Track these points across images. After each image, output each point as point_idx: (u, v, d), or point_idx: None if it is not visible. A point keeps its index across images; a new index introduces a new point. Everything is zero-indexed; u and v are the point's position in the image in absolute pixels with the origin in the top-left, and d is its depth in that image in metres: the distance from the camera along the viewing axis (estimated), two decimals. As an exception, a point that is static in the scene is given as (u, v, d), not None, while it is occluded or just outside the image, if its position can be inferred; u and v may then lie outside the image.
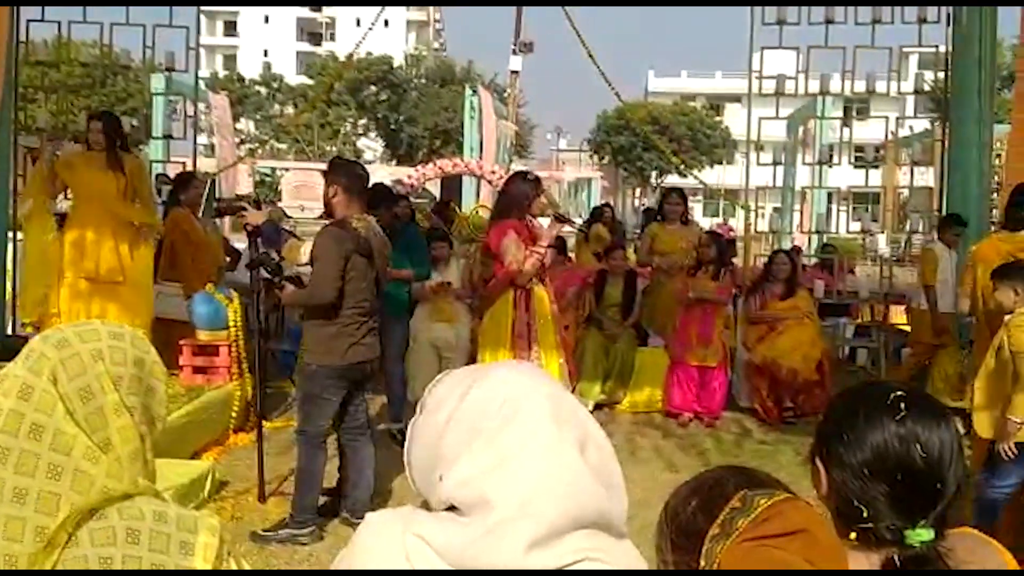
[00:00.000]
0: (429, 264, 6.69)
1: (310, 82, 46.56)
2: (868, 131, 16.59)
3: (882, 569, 1.38)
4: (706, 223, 28.36)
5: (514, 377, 1.16)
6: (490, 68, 48.54)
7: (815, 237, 12.32)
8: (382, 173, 23.15)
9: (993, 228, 8.16)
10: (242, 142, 37.35)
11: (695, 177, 15.44)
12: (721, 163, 42.68)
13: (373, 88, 47.44)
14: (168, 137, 11.07)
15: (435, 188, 22.46)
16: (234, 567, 1.30)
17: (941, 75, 8.66)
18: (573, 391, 5.30)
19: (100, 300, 6.39)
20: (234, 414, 6.30)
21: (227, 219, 7.87)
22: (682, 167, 16.62)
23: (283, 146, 41.95)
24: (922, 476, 1.38)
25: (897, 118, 10.38)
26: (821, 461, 1.47)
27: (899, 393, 1.43)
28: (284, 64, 56.04)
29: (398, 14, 60.34)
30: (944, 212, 8.21)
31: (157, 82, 11.97)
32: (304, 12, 63.24)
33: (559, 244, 7.81)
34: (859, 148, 28.11)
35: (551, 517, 1.04)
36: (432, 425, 1.14)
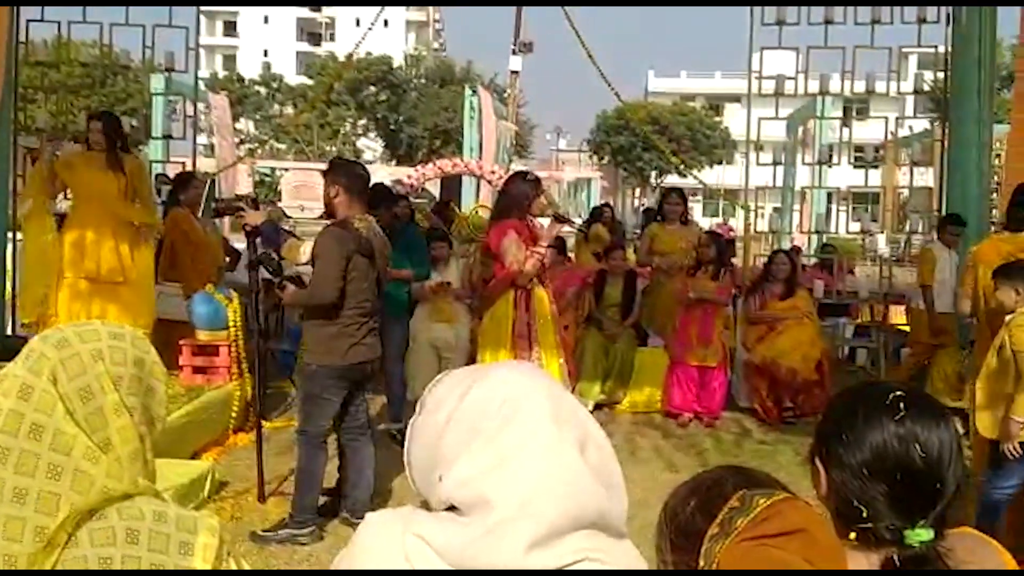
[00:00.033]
0: (429, 264, 6.69)
1: (310, 82, 46.57)
2: (868, 131, 16.58)
3: (882, 569, 1.38)
4: (706, 223, 28.36)
5: (514, 377, 1.16)
6: (490, 68, 48.64)
7: (815, 237, 12.32)
8: (382, 173, 23.17)
9: (993, 228, 8.17)
10: (242, 142, 37.35)
11: (695, 177, 15.44)
12: (721, 163, 42.66)
13: (373, 88, 47.44)
14: (168, 137, 11.07)
15: (435, 188, 22.45)
16: (234, 567, 1.30)
17: (941, 75, 8.67)
18: (573, 391, 5.29)
19: (100, 300, 6.39)
20: (234, 414, 6.30)
21: (227, 219, 7.87)
22: (682, 167, 16.62)
23: (283, 146, 41.95)
24: (921, 476, 1.38)
25: (897, 118, 10.38)
26: (820, 461, 1.47)
27: (898, 393, 1.43)
28: (284, 64, 56.04)
29: (398, 14, 60.34)
30: (944, 212, 8.21)
31: (157, 82, 11.97)
32: (304, 12, 63.25)
33: (559, 244, 7.81)
34: (859, 148, 28.12)
35: (551, 517, 1.04)
36: (432, 425, 1.14)
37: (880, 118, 10.13)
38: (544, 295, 5.72)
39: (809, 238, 13.30)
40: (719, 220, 30.99)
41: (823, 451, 1.47)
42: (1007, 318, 4.19)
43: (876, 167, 17.08)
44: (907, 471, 1.38)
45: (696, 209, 36.56)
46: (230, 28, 63.63)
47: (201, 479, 4.98)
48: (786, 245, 11.86)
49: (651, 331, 8.17)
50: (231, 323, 6.46)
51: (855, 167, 14.12)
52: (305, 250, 4.71)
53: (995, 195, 10.34)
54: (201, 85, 15.50)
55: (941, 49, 8.50)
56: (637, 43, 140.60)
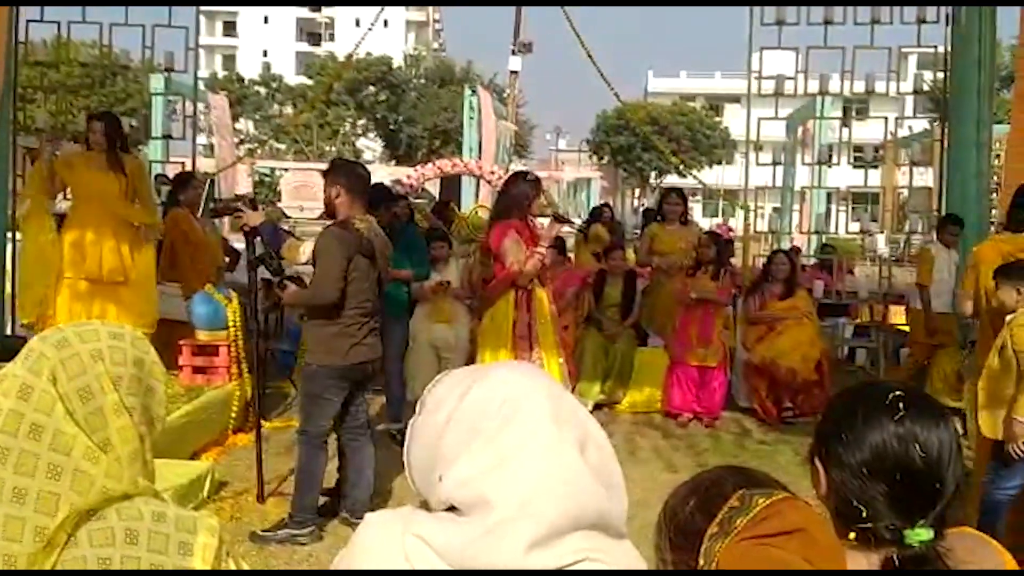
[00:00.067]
0: (428, 264, 6.69)
1: (309, 82, 46.54)
2: (867, 131, 16.58)
3: (881, 569, 1.38)
4: (705, 223, 28.38)
5: (514, 377, 1.16)
6: (489, 68, 48.56)
7: (814, 237, 12.33)
8: (381, 173, 23.13)
9: (993, 228, 8.17)
10: (241, 142, 37.33)
11: (694, 177, 15.44)
12: (720, 163, 42.65)
13: (372, 88, 47.42)
14: (167, 137, 11.07)
15: (434, 188, 22.44)
16: (233, 567, 1.30)
17: (940, 75, 8.67)
18: (572, 391, 5.29)
19: (100, 301, 6.39)
20: (233, 414, 6.30)
21: (226, 219, 7.86)
22: (681, 167, 16.61)
23: (282, 146, 41.90)
24: (921, 476, 1.38)
25: (896, 118, 10.38)
26: (820, 461, 1.47)
27: (898, 393, 1.43)
28: (283, 64, 56.03)
29: (397, 14, 60.35)
30: (943, 212, 8.22)
31: (156, 82, 11.97)
32: (303, 12, 63.24)
33: (558, 244, 7.82)
34: (858, 148, 28.15)
35: (551, 517, 1.04)
36: (432, 425, 1.14)
37: (880, 118, 10.13)
38: (544, 295, 5.72)
39: (809, 238, 13.30)
40: (719, 220, 31.00)
41: (823, 451, 1.47)
42: (1008, 318, 4.19)
43: (876, 167, 17.09)
44: (907, 471, 1.38)
45: (696, 209, 36.57)
46: (230, 28, 63.63)
47: (200, 479, 4.98)
48: (786, 245, 11.86)
49: (651, 331, 8.17)
50: (231, 323, 6.46)
51: (855, 167, 14.12)
52: (305, 250, 4.71)
53: (994, 195, 10.34)
54: (201, 85, 15.51)
55: (941, 49, 8.50)
56: (637, 43, 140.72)
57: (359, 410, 4.79)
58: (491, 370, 1.18)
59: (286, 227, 11.54)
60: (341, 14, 61.15)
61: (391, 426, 6.38)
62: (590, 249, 9.52)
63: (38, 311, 6.45)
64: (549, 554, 1.03)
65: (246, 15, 62.89)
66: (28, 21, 8.09)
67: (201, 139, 17.07)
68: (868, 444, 1.40)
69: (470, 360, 6.37)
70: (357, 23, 55.56)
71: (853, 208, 37.31)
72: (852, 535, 1.39)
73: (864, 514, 1.39)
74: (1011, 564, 1.50)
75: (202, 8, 10.58)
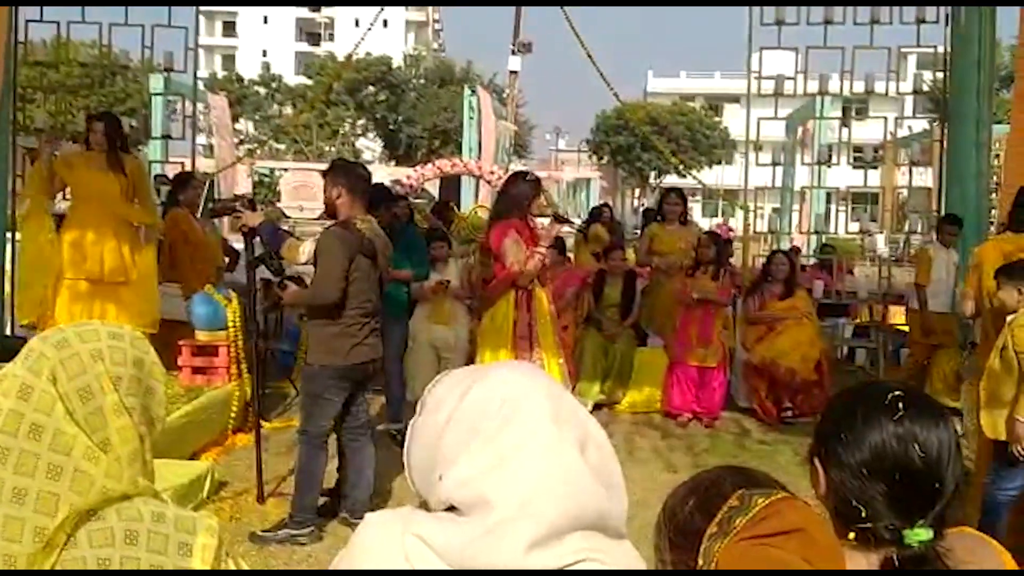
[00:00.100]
0: (428, 265, 6.69)
1: (309, 82, 46.51)
2: (867, 131, 16.59)
3: (881, 569, 1.38)
4: (705, 223, 28.37)
5: (514, 377, 1.15)
6: (489, 68, 48.44)
7: (814, 237, 12.32)
8: (381, 173, 23.12)
9: (993, 229, 8.18)
10: (241, 142, 37.30)
11: (694, 177, 15.47)
12: (720, 163, 42.64)
13: (372, 88, 47.39)
14: (167, 137, 11.07)
15: (434, 188, 22.44)
16: (232, 568, 1.30)
17: (940, 75, 8.67)
18: (572, 391, 5.30)
19: (101, 301, 6.39)
20: (233, 414, 6.29)
21: (226, 219, 7.87)
22: (681, 167, 16.63)
23: (282, 146, 41.89)
24: (920, 476, 1.38)
25: (896, 118, 10.39)
26: (820, 461, 1.47)
27: (897, 393, 1.43)
28: (283, 64, 56.00)
29: (397, 14, 60.34)
30: (943, 212, 8.22)
31: (156, 82, 11.96)
32: (303, 12, 63.22)
33: (558, 244, 7.82)
34: (858, 148, 28.15)
35: (551, 517, 1.04)
36: (431, 425, 1.14)
37: (879, 118, 10.14)
38: (543, 295, 5.72)
39: (808, 238, 13.30)
40: (719, 220, 30.99)
41: (822, 451, 1.47)
42: (1008, 318, 4.19)
43: (875, 167, 17.09)
44: (906, 471, 1.38)
45: (695, 209, 36.56)
46: (229, 28, 63.61)
47: (200, 479, 4.98)
48: (785, 245, 11.86)
49: (650, 331, 8.17)
50: (230, 323, 6.46)
51: (854, 167, 14.12)
52: (304, 250, 4.71)
53: (994, 195, 10.35)
54: (200, 85, 15.51)
55: (940, 49, 8.51)
56: (636, 43, 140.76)
57: (360, 410, 4.80)
58: (491, 370, 1.18)
59: (285, 227, 11.53)
60: (341, 14, 61.14)
61: (391, 426, 6.38)
62: (590, 249, 9.52)
63: (37, 311, 6.44)
64: (549, 554, 1.03)
65: (246, 15, 62.88)
66: (28, 21, 8.09)
67: (200, 139, 17.07)
68: (867, 444, 1.40)
69: (470, 360, 6.37)
70: (357, 23, 55.55)
71: (853, 208, 37.28)
72: (851, 535, 1.40)
73: (863, 514, 1.39)
74: (1011, 564, 1.50)
75: (202, 8, 10.59)
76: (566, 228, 7.03)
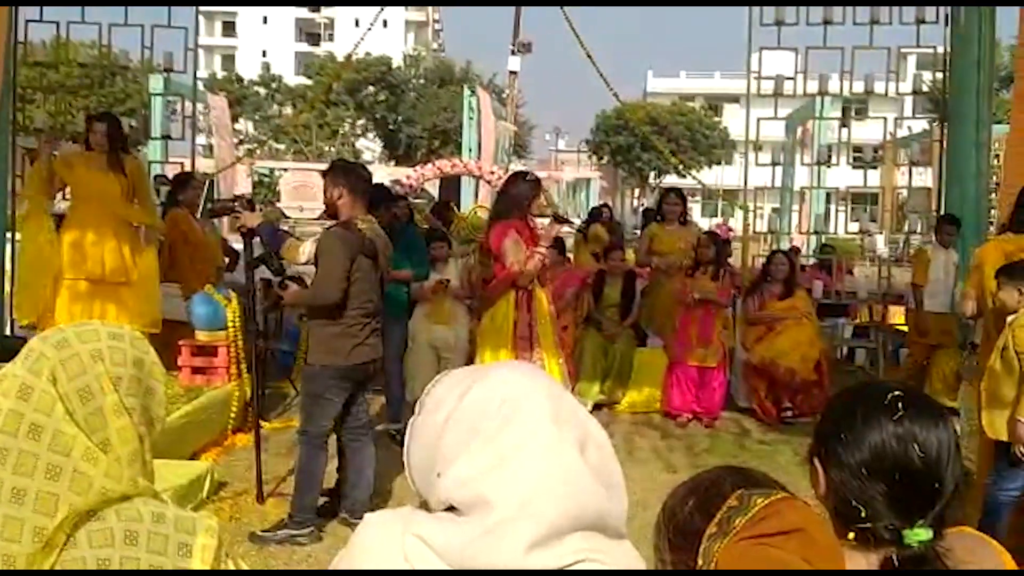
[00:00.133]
0: (428, 265, 6.69)
1: (309, 82, 46.50)
2: (866, 131, 16.59)
3: (880, 569, 1.38)
4: (705, 223, 28.36)
5: (514, 377, 1.15)
6: (489, 68, 48.44)
7: (814, 237, 12.33)
8: (381, 173, 23.10)
9: (992, 229, 8.17)
10: (240, 142, 37.29)
11: (693, 177, 15.46)
12: (719, 163, 42.64)
13: (372, 88, 47.38)
14: (167, 138, 11.07)
15: (433, 189, 22.43)
16: (232, 568, 1.30)
17: (939, 76, 8.67)
18: (572, 392, 5.30)
19: (101, 301, 6.39)
20: (233, 415, 6.29)
21: (225, 219, 7.86)
22: (680, 167, 16.64)
23: (281, 147, 41.88)
24: (920, 476, 1.38)
25: (895, 119, 10.39)
26: (819, 461, 1.47)
27: (897, 393, 1.43)
28: (283, 64, 55.99)
29: (397, 14, 60.33)
30: (942, 212, 8.22)
31: (155, 83, 11.96)
32: (303, 12, 63.22)
33: (558, 244, 7.82)
34: (857, 148, 28.15)
35: (551, 517, 1.04)
36: (431, 425, 1.14)
37: (879, 118, 10.14)
38: (543, 295, 5.72)
39: (808, 238, 13.30)
40: (719, 220, 30.99)
41: (822, 451, 1.47)
42: (1009, 319, 4.19)
43: (875, 167, 17.09)
44: (905, 471, 1.38)
45: (695, 209, 36.57)
46: (229, 28, 63.61)
47: (200, 480, 4.98)
48: (785, 245, 11.87)
49: (650, 331, 8.17)
50: (230, 324, 6.46)
51: (854, 167, 14.12)
52: (304, 250, 4.71)
53: (994, 196, 10.35)
54: (200, 85, 15.51)
55: (940, 49, 8.51)
56: (636, 43, 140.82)
57: (360, 410, 4.80)
58: (491, 370, 1.18)
59: (285, 227, 11.52)
60: (340, 14, 61.15)
61: (390, 426, 6.38)
62: (589, 249, 9.52)
63: (36, 312, 6.44)
64: (549, 554, 1.03)
65: (245, 15, 62.87)
66: (27, 21, 8.09)
67: (200, 139, 17.06)
68: (867, 444, 1.40)
69: (469, 360, 6.37)
70: (356, 23, 55.55)
71: (852, 208, 37.27)
72: (851, 535, 1.40)
73: (863, 514, 1.39)
74: (1010, 564, 1.50)
75: (201, 8, 10.60)
76: (566, 228, 7.04)
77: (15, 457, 1.20)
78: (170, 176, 8.75)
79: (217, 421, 6.16)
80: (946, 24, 8.21)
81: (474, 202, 19.03)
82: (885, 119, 10.08)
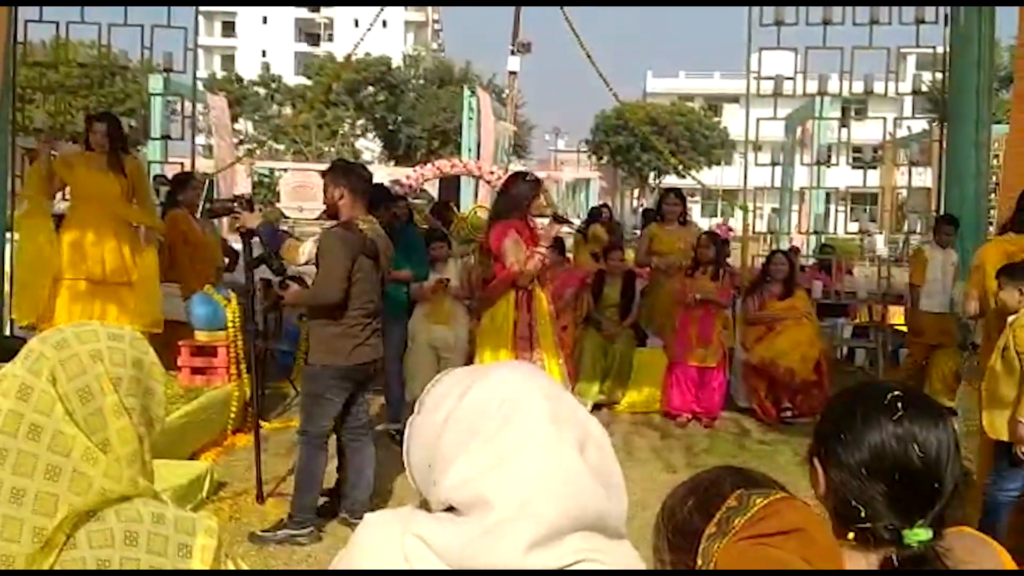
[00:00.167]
0: (428, 265, 6.69)
1: (308, 83, 46.49)
2: (866, 132, 16.59)
3: (880, 569, 1.38)
4: (704, 223, 28.35)
5: (513, 377, 1.15)
6: (488, 69, 48.44)
7: (813, 237, 12.32)
8: (380, 174, 23.07)
9: (992, 229, 8.18)
10: (240, 143, 37.27)
11: (693, 178, 15.45)
12: (719, 163, 42.64)
13: (371, 89, 47.37)
14: (166, 138, 11.06)
15: (433, 189, 22.43)
16: (232, 569, 1.30)
17: (939, 76, 8.68)
18: (571, 392, 5.29)
19: (100, 302, 6.38)
20: (232, 415, 6.29)
21: (225, 220, 7.87)
22: (680, 167, 16.63)
23: (281, 147, 41.86)
24: (920, 476, 1.38)
25: (895, 119, 10.39)
26: (819, 461, 1.47)
27: (896, 393, 1.43)
28: (282, 65, 55.99)
29: (396, 15, 60.33)
30: (942, 213, 8.23)
31: (155, 83, 11.96)
32: (302, 13, 63.21)
33: (557, 244, 7.82)
34: (857, 149, 28.14)
35: (551, 517, 1.04)
36: (430, 424, 1.14)
37: (878, 118, 10.14)
38: (543, 296, 5.72)
39: (807, 238, 13.30)
40: (719, 220, 30.99)
41: (821, 451, 1.47)
42: (1010, 319, 4.19)
43: (874, 167, 17.10)
44: (905, 471, 1.38)
45: (695, 209, 36.59)
46: (228, 28, 63.61)
47: (200, 480, 4.98)
48: (784, 245, 11.87)
49: (650, 331, 8.17)
50: (230, 324, 6.46)
51: (853, 167, 14.12)
52: (304, 251, 4.71)
53: (993, 196, 10.35)
54: (200, 85, 15.51)
55: (940, 49, 8.51)
56: (636, 43, 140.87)
57: (360, 410, 4.80)
58: (491, 370, 1.18)
59: (285, 228, 11.53)
60: (340, 14, 61.14)
61: (390, 426, 6.38)
62: (589, 249, 9.52)
63: (35, 312, 6.43)
64: (549, 554, 1.03)
65: (245, 15, 62.86)
66: (27, 21, 8.09)
67: (200, 139, 17.03)
68: (867, 444, 1.40)
69: (469, 360, 6.37)
70: (356, 23, 55.56)
71: (852, 208, 37.31)
72: (851, 535, 1.40)
73: (863, 514, 1.39)
74: (1010, 564, 1.50)
75: (201, 8, 10.59)
76: (565, 228, 7.03)
77: (14, 457, 1.20)
78: (170, 176, 8.74)
79: (217, 421, 6.16)
80: (946, 24, 8.22)
81: (474, 202, 19.03)
82: (885, 119, 10.08)
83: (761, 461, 5.87)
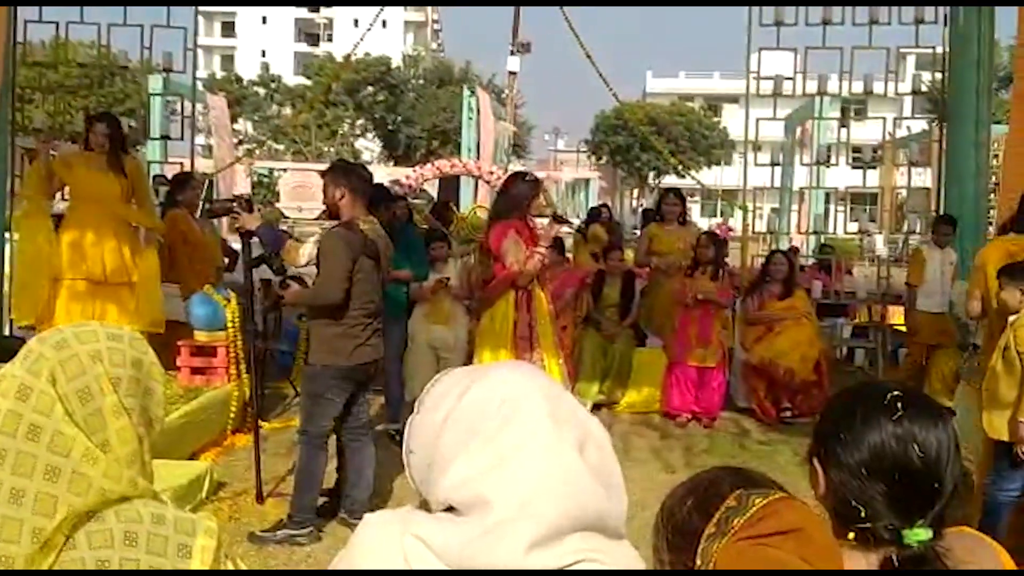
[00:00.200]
0: (427, 265, 6.69)
1: (308, 83, 46.49)
2: (866, 132, 16.59)
3: (880, 569, 1.38)
4: (704, 223, 28.37)
5: (513, 377, 1.15)
6: (488, 69, 48.45)
7: (813, 237, 12.32)
8: (380, 174, 23.04)
9: (992, 229, 8.18)
10: (240, 143, 37.24)
11: (693, 178, 15.44)
12: (719, 163, 42.64)
13: (371, 89, 47.36)
14: (166, 138, 11.07)
15: (433, 189, 22.43)
16: (231, 569, 1.30)
17: (939, 76, 8.68)
18: (571, 392, 5.28)
19: (100, 302, 6.38)
20: (232, 415, 6.29)
21: (224, 220, 7.86)
22: (680, 167, 16.62)
23: (281, 147, 41.84)
24: (919, 476, 1.38)
25: (895, 119, 10.40)
26: (819, 461, 1.47)
27: (896, 393, 1.43)
28: (282, 65, 55.99)
29: (396, 15, 60.32)
30: (941, 212, 8.23)
31: (155, 83, 11.96)
32: (302, 13, 63.21)
33: (557, 244, 7.82)
34: (857, 149, 28.16)
35: (551, 517, 1.04)
36: (430, 424, 1.13)
37: (878, 119, 10.15)
38: (543, 296, 5.72)
39: (807, 238, 13.30)
40: (719, 220, 31.00)
41: (821, 451, 1.47)
42: (1011, 319, 4.19)
43: (874, 167, 17.09)
44: (905, 471, 1.38)
45: (694, 209, 36.60)
46: (228, 29, 63.60)
47: (199, 480, 4.98)
48: (784, 245, 11.87)
49: (649, 331, 8.17)
50: (229, 324, 6.46)
51: (853, 167, 14.12)
52: (304, 252, 4.71)
53: (993, 195, 10.36)
54: (199, 85, 15.51)
55: (939, 50, 8.52)
56: (635, 43, 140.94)
57: (361, 411, 4.80)
58: (490, 370, 1.18)
59: (284, 228, 11.52)
60: (340, 14, 61.13)
61: (389, 426, 6.38)
62: (589, 249, 9.52)
63: (34, 312, 6.43)
64: (549, 554, 1.03)
65: (244, 15, 62.86)
66: (26, 21, 8.09)
67: (199, 139, 17.04)
68: (867, 444, 1.40)
69: (468, 360, 6.37)
70: (356, 23, 55.55)
71: (851, 208, 37.24)
72: (851, 535, 1.40)
73: (863, 514, 1.39)
74: (1009, 564, 1.50)
75: (200, 8, 10.60)
76: (565, 228, 7.02)
77: (14, 458, 1.20)
78: (169, 176, 8.74)
79: (216, 421, 6.16)
80: (945, 24, 8.22)
81: (473, 202, 19.03)
82: (884, 119, 10.09)
83: (761, 461, 5.87)
